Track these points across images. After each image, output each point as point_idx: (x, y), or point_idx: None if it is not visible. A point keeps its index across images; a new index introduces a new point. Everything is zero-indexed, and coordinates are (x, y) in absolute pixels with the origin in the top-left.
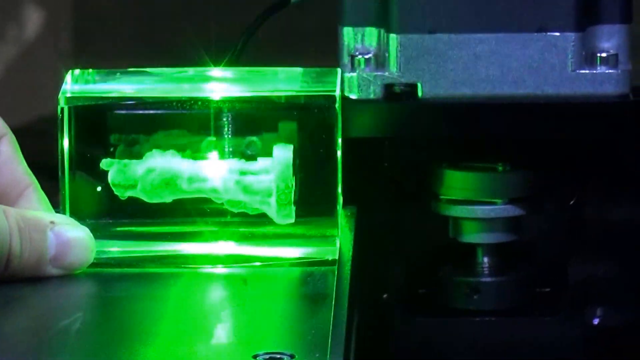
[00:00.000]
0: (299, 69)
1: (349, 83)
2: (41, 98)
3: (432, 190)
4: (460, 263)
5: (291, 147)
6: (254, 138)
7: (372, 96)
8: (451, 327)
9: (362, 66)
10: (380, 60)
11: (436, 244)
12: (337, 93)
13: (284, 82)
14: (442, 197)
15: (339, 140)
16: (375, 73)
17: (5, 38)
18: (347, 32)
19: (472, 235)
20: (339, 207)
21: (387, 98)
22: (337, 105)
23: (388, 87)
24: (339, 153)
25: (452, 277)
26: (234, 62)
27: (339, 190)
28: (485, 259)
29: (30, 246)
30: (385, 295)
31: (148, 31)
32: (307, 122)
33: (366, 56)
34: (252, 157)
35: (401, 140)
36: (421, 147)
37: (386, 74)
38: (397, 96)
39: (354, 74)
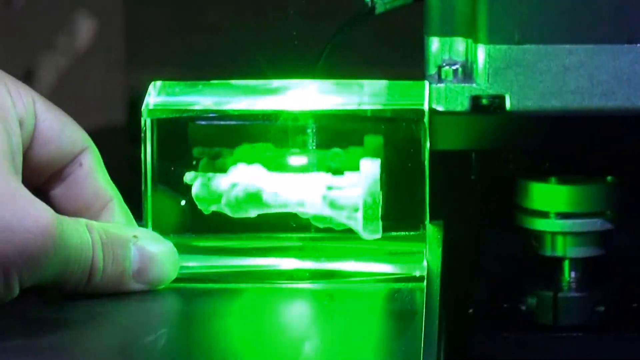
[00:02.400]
0: (384, 82)
1: (435, 94)
2: (95, 108)
3: (522, 204)
4: (546, 277)
5: (378, 161)
6: (339, 150)
7: (459, 108)
8: (536, 342)
9: (450, 77)
10: (467, 71)
11: (521, 257)
12: (426, 107)
13: (370, 94)
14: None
15: (427, 155)
16: (463, 84)
17: (59, 49)
18: (434, 43)
19: (561, 249)
20: (427, 222)
21: (474, 110)
22: (425, 119)
23: (475, 99)
24: (426, 167)
25: (537, 292)
26: (317, 73)
27: (427, 204)
28: (573, 274)
29: (113, 260)
30: (471, 310)
31: (208, 42)
32: (395, 135)
33: (453, 67)
34: (337, 170)
35: (489, 153)
36: (509, 160)
37: (474, 85)
38: (485, 108)
39: (441, 85)
